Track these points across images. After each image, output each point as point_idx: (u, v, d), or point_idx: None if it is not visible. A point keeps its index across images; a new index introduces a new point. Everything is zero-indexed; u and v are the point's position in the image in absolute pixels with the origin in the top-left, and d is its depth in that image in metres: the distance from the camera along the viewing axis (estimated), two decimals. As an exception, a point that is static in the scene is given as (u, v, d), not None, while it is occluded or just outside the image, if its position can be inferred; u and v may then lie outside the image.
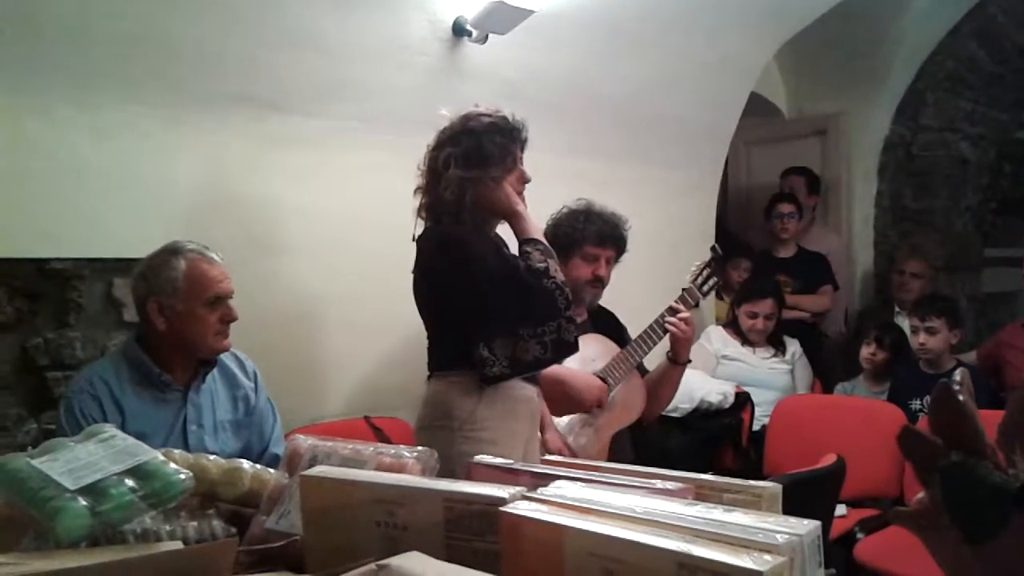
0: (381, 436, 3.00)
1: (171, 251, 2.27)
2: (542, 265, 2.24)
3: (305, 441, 1.38)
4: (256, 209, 2.94)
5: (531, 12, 3.11)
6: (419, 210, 2.36)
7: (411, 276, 2.39)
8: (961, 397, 0.89)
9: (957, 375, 0.92)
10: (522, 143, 2.34)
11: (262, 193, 2.95)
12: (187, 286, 2.23)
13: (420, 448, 1.35)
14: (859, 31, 4.94)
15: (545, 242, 2.33)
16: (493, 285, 2.22)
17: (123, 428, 1.43)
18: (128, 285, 2.40)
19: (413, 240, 2.36)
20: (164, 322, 2.23)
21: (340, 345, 3.15)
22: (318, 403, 3.11)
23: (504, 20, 3.14)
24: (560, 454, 2.60)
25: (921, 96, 5.39)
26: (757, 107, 5.03)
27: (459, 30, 3.17)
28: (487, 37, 3.20)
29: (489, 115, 2.30)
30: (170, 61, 2.66)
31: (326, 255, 3.08)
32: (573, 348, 2.29)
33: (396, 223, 2.41)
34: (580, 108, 3.76)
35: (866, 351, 4.23)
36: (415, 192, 2.36)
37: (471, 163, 2.25)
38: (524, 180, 2.36)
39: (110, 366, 2.25)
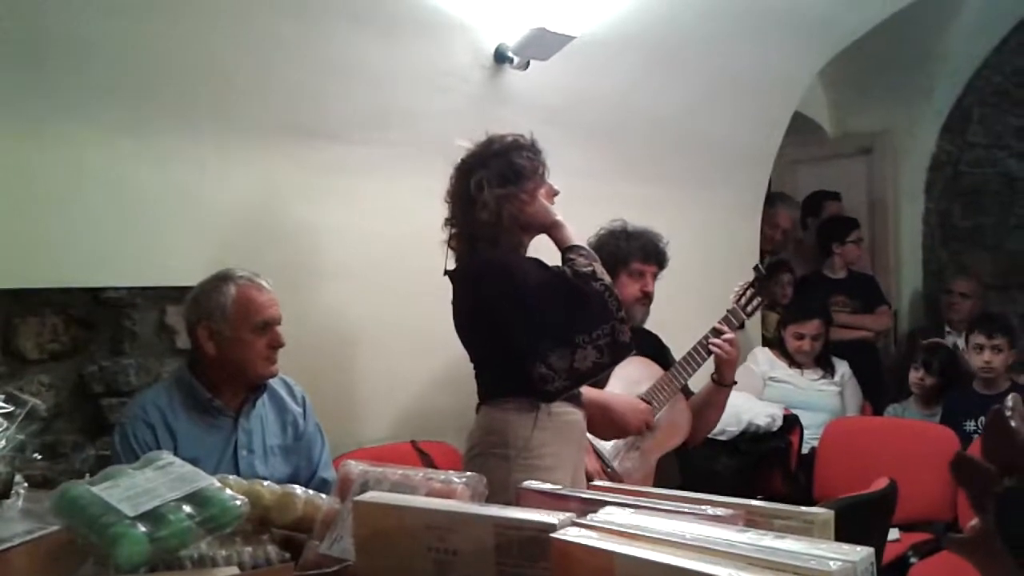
0: (427, 461, 3.01)
1: (221, 277, 2.32)
2: (588, 269, 2.25)
3: (356, 467, 1.40)
4: (304, 235, 2.98)
5: (572, 38, 3.13)
6: (449, 241, 2.37)
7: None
8: (1014, 423, 0.88)
9: (1009, 400, 0.91)
10: (544, 159, 2.36)
11: (309, 219, 2.99)
12: (236, 311, 2.27)
13: (469, 474, 1.36)
14: (904, 47, 4.89)
15: (587, 248, 2.35)
16: (542, 297, 2.22)
17: (175, 453, 1.46)
18: (180, 313, 2.45)
19: (444, 274, 2.37)
20: (213, 347, 2.27)
21: (387, 369, 3.17)
22: (365, 427, 3.12)
23: (545, 46, 3.16)
24: (597, 477, 2.58)
25: (968, 112, 5.32)
26: (800, 126, 4.99)
27: (501, 57, 3.21)
28: (528, 63, 3.23)
29: (509, 135, 2.33)
30: (222, 90, 2.72)
31: (371, 279, 3.10)
32: (629, 348, 2.29)
33: (440, 246, 2.43)
34: (622, 131, 3.76)
35: (914, 376, 4.17)
36: (444, 225, 2.38)
37: (506, 180, 2.27)
38: (554, 193, 2.38)
39: (163, 392, 2.29)
